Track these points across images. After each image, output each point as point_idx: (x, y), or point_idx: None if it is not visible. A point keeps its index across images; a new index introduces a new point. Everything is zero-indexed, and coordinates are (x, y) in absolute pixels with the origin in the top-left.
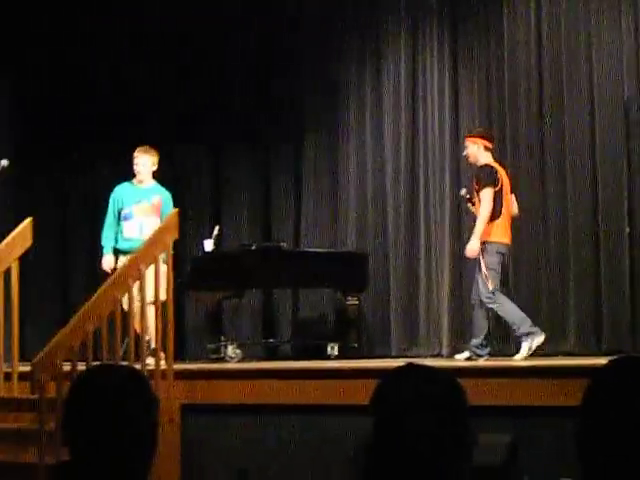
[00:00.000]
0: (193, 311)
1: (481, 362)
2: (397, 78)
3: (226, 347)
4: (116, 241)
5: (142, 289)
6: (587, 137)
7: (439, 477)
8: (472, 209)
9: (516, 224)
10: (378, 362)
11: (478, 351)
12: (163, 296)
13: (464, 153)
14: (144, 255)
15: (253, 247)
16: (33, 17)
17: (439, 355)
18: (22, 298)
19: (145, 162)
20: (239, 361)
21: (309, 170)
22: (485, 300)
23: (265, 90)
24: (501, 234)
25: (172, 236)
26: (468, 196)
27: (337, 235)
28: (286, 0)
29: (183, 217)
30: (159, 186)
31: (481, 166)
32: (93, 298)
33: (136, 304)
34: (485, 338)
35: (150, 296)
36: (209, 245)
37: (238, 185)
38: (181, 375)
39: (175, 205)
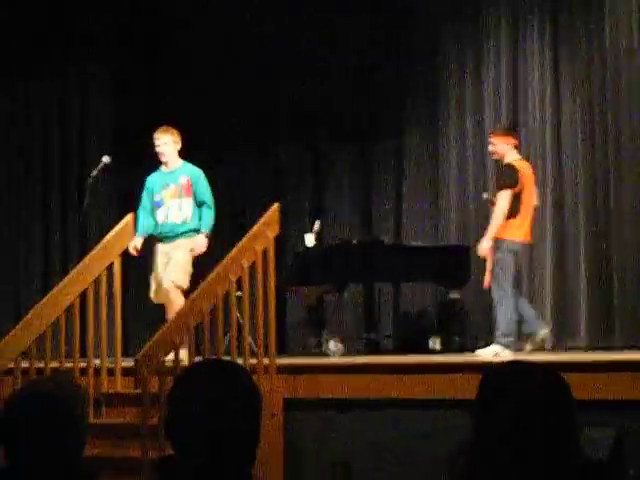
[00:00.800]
0: (295, 306)
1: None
2: (497, 73)
3: (327, 342)
4: (155, 227)
5: (244, 283)
6: None
7: (546, 473)
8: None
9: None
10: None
11: (505, 341)
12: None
13: (490, 149)
14: (245, 249)
15: (354, 241)
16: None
17: (542, 348)
18: (124, 293)
19: (167, 141)
20: (341, 356)
21: (409, 164)
22: (493, 297)
23: (365, 87)
24: (516, 233)
25: (273, 231)
26: (492, 198)
27: (438, 229)
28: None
29: (284, 212)
30: (188, 165)
31: (504, 165)
32: (195, 293)
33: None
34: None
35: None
36: (310, 240)
37: (339, 180)
38: (283, 370)
39: (277, 200)
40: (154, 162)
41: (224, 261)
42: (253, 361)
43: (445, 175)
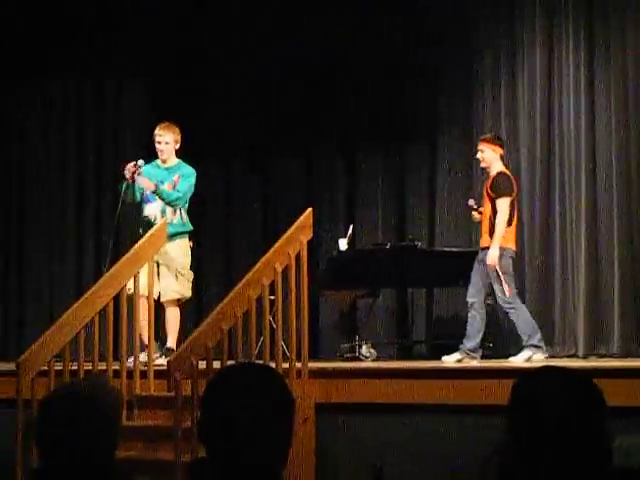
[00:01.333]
0: (328, 310)
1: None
2: (532, 76)
3: (360, 346)
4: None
5: (277, 287)
6: None
7: (577, 477)
8: (477, 218)
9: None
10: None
11: (473, 354)
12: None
13: (478, 156)
14: (278, 254)
15: (388, 246)
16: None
17: (575, 355)
18: None
19: (169, 140)
20: (373, 360)
21: (443, 169)
22: (504, 305)
23: (399, 90)
24: (512, 240)
25: (307, 235)
26: (476, 206)
27: (472, 234)
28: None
29: (318, 216)
30: (182, 164)
31: (498, 174)
32: (228, 297)
33: None
34: (481, 341)
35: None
36: (343, 244)
37: (372, 184)
38: (316, 374)
39: (310, 204)
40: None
41: (257, 265)
42: (285, 365)
43: (479, 180)
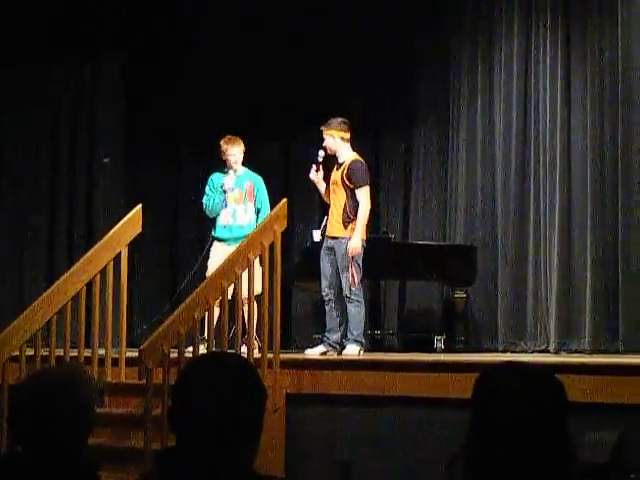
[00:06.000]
0: (300, 301)
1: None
2: (509, 70)
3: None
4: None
5: (250, 278)
6: None
7: (541, 475)
8: (315, 178)
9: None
10: (485, 356)
11: (337, 346)
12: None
13: (324, 144)
14: (252, 244)
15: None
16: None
17: (546, 350)
18: (130, 283)
19: (238, 152)
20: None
21: (418, 162)
22: (351, 296)
23: (374, 79)
24: (365, 231)
25: (281, 225)
26: (321, 159)
27: (446, 228)
28: None
29: (291, 207)
30: (249, 172)
31: (353, 162)
32: (201, 286)
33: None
34: (343, 332)
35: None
36: (317, 235)
37: None
38: (287, 365)
39: (284, 195)
40: (161, 155)
41: (231, 255)
42: (257, 355)
43: (454, 175)
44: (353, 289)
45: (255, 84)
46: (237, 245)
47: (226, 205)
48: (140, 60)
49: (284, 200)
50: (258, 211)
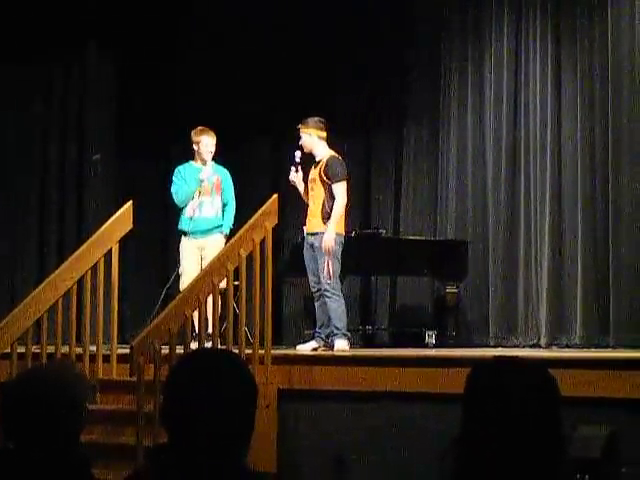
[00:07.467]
0: (291, 297)
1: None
2: (499, 69)
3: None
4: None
5: (241, 274)
6: None
7: (532, 469)
8: (294, 180)
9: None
10: (476, 351)
11: (327, 340)
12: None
13: (300, 142)
14: (243, 240)
15: (352, 234)
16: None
17: (537, 345)
18: (122, 280)
19: (212, 143)
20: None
21: (409, 157)
22: (329, 290)
23: (366, 79)
24: (344, 226)
25: (272, 221)
26: (299, 160)
27: (437, 223)
28: None
29: (283, 203)
30: (217, 165)
31: (330, 158)
32: (192, 282)
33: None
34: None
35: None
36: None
37: None
38: (278, 360)
39: (276, 191)
40: (152, 153)
41: (221, 251)
42: (249, 351)
43: (444, 170)
44: (330, 282)
45: (245, 83)
46: (203, 238)
47: (192, 197)
48: (131, 59)
49: (275, 196)
50: (224, 205)
